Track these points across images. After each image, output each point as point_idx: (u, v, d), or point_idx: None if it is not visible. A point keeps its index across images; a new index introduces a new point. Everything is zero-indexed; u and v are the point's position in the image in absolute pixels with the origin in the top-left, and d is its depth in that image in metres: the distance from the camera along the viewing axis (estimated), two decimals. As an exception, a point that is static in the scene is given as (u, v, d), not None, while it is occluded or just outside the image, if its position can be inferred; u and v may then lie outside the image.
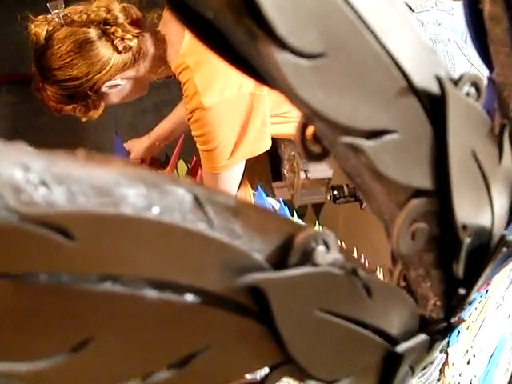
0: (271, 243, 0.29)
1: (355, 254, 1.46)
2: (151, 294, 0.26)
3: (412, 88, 0.29)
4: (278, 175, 2.89)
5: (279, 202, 1.45)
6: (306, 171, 2.56)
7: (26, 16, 1.13)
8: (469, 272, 0.37)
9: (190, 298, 0.27)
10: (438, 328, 0.39)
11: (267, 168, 2.88)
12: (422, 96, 0.29)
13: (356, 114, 0.28)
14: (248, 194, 1.39)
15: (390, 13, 0.28)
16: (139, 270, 0.25)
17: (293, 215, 1.41)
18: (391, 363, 0.36)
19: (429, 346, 0.39)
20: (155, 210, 0.25)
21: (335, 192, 1.80)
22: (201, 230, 0.26)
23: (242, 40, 0.27)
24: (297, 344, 0.31)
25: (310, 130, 0.31)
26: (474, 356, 0.72)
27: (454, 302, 0.39)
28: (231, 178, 1.19)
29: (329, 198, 1.79)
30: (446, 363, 0.62)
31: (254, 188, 1.42)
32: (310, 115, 0.29)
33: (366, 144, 0.28)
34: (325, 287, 0.30)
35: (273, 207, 1.41)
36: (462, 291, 0.37)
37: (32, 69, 1.19)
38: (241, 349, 0.30)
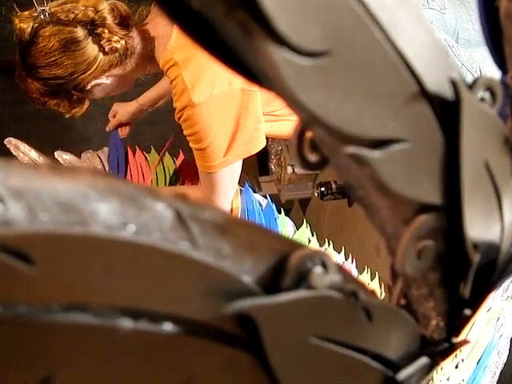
0: (262, 264, 0.25)
1: (343, 252, 1.43)
2: (125, 324, 0.22)
3: (424, 92, 0.26)
4: (264, 169, 2.86)
5: (266, 198, 1.41)
6: (293, 166, 2.54)
7: (10, 6, 1.09)
8: (473, 290, 0.34)
9: (169, 327, 0.23)
10: (440, 349, 0.36)
11: (254, 162, 2.84)
12: (435, 101, 0.26)
13: (361, 121, 0.25)
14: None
15: (402, 7, 0.25)
16: (111, 298, 0.22)
17: (280, 212, 1.38)
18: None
19: (429, 368, 0.36)
20: (130, 229, 0.22)
21: (323, 189, 1.77)
22: (183, 251, 0.23)
23: (234, 35, 0.23)
24: (288, 374, 0.28)
25: (308, 135, 0.28)
26: (463, 360, 0.70)
27: (457, 322, 0.36)
28: (228, 178, 1.13)
29: (316, 194, 1.76)
30: (434, 369, 0.60)
31: (241, 184, 1.39)
32: (309, 120, 0.25)
33: (372, 155, 0.25)
34: (321, 312, 0.27)
35: (260, 204, 1.38)
36: (467, 312, 0.34)
37: (16, 57, 1.14)
38: (227, 381, 0.26)
